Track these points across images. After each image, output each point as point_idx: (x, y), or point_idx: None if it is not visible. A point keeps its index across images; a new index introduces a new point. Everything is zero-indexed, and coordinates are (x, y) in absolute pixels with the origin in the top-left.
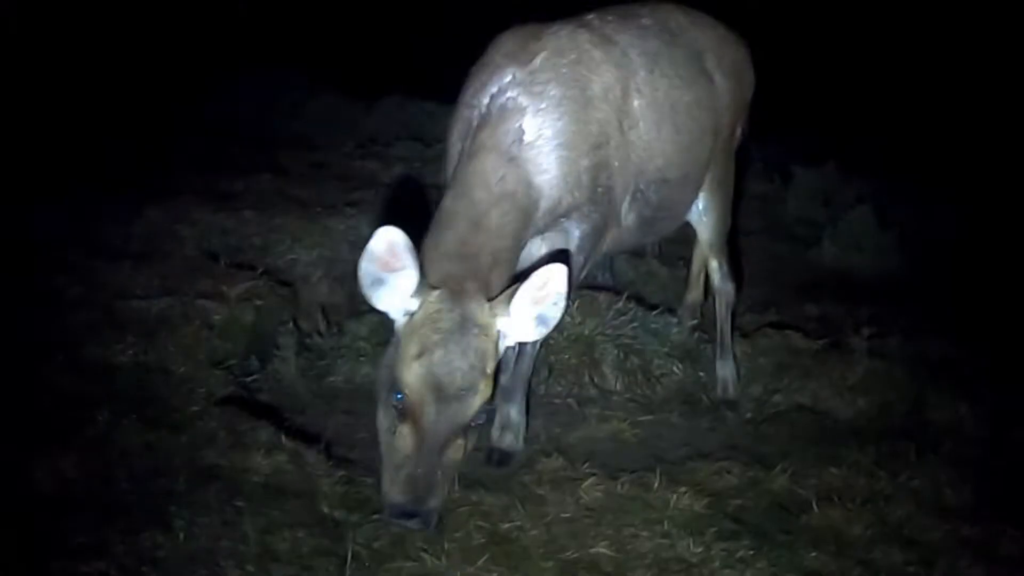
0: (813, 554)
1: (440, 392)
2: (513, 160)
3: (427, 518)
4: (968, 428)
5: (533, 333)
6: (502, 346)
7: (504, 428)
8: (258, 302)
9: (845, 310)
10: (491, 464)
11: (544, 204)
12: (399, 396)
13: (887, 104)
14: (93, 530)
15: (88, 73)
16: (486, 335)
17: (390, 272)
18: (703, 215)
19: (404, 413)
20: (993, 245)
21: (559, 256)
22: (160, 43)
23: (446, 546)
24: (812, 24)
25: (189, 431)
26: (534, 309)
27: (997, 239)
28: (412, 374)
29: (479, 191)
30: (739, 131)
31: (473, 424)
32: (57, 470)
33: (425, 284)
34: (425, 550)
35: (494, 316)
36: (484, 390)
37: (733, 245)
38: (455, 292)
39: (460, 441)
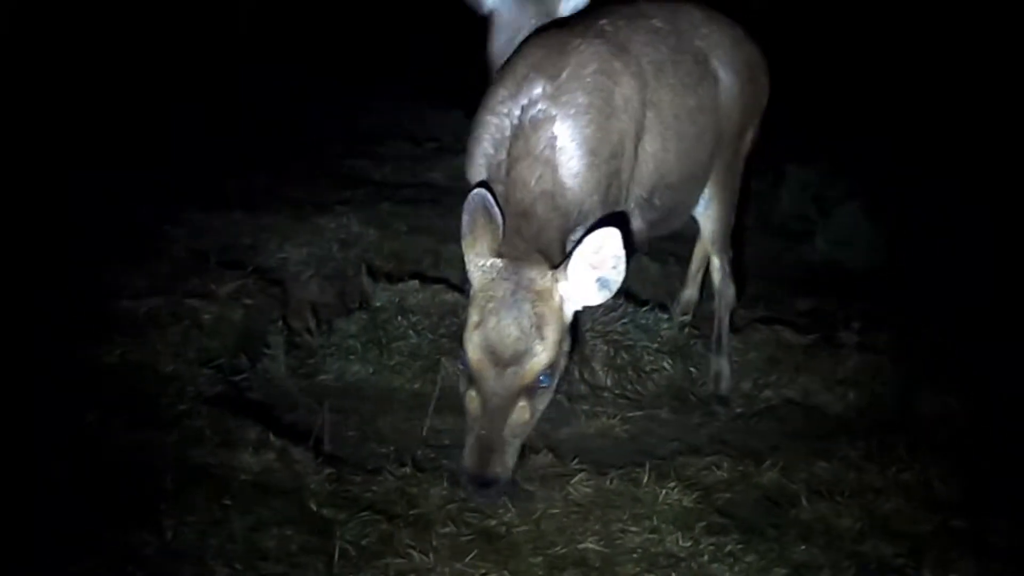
0: (803, 547)
1: (494, 357)
2: (547, 162)
3: (495, 487)
4: (958, 421)
5: (597, 296)
6: (567, 310)
7: None
8: (247, 301)
9: (836, 305)
10: None
11: (573, 209)
12: (464, 363)
13: (880, 102)
14: (80, 528)
15: (82, 71)
16: (542, 300)
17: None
18: (707, 209)
19: (469, 379)
20: (984, 240)
21: (610, 220)
22: (157, 42)
23: (434, 542)
24: (807, 22)
25: (177, 430)
26: (593, 273)
27: (988, 234)
28: (470, 343)
29: (520, 192)
30: (751, 133)
31: (538, 387)
32: (45, 469)
33: (492, 250)
34: (413, 546)
35: (555, 282)
36: (541, 354)
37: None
38: (515, 260)
39: (523, 403)
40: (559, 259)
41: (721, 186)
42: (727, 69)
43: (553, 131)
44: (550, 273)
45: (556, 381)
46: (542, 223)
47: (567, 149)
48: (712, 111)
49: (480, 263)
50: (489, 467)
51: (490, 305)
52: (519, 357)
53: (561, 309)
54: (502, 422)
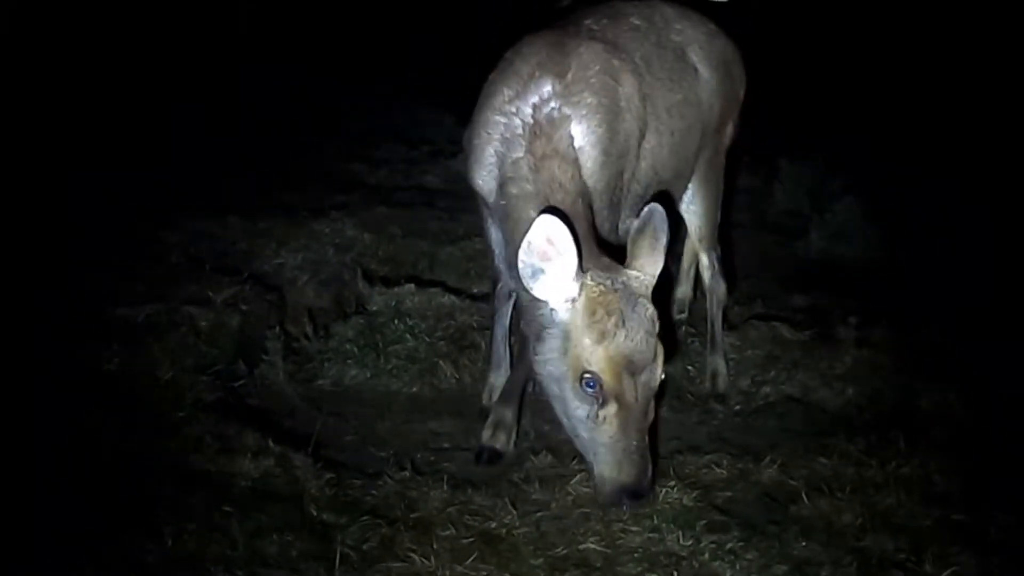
0: (803, 544)
1: (632, 366)
2: (574, 161)
3: (652, 492)
4: (957, 415)
5: None
6: None
7: (497, 428)
8: (244, 307)
9: (832, 300)
10: (481, 463)
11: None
12: (592, 385)
13: (873, 96)
14: (81, 535)
15: (83, 71)
16: (648, 300)
17: (548, 261)
18: (691, 204)
19: (603, 397)
20: (981, 234)
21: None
22: (157, 42)
23: (435, 546)
24: (804, 19)
25: (176, 437)
26: (659, 256)
27: (986, 228)
28: (603, 359)
29: (559, 194)
30: (730, 127)
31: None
32: (44, 476)
33: (579, 268)
34: (414, 550)
35: (642, 278)
36: (662, 353)
37: (723, 241)
38: (606, 268)
39: (652, 403)
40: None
41: (704, 181)
42: (704, 63)
43: (570, 132)
44: (633, 272)
45: None
46: (587, 225)
47: (584, 150)
48: (696, 105)
49: (581, 281)
50: (648, 476)
51: (613, 319)
52: (651, 360)
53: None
54: (645, 429)
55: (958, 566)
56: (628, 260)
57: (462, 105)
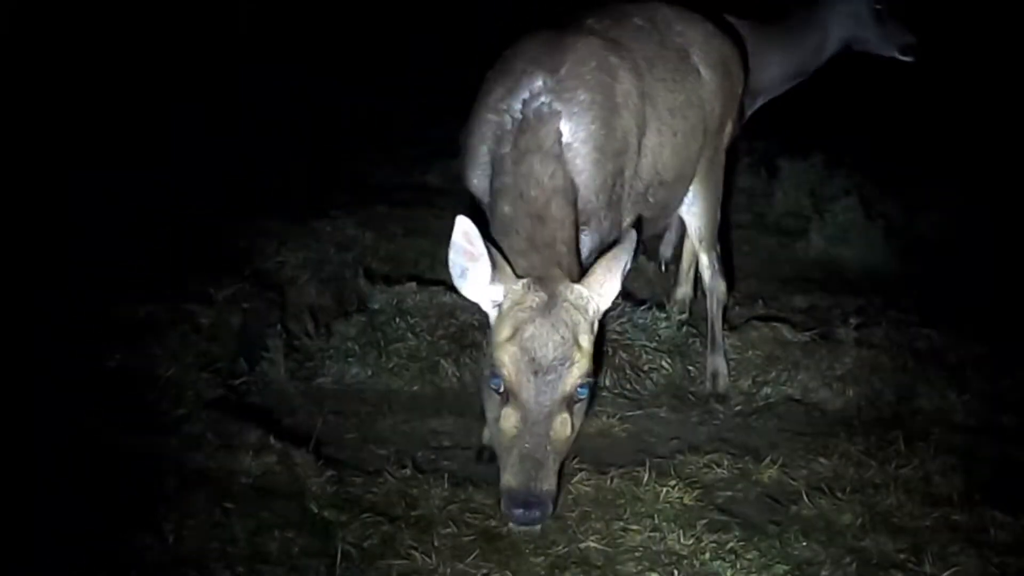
0: (803, 544)
1: (534, 365)
2: (558, 158)
3: (543, 505)
4: (956, 416)
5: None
6: (596, 321)
7: None
8: (245, 305)
9: (833, 301)
10: (481, 461)
11: (580, 205)
12: (497, 380)
13: (873, 96)
14: (82, 532)
15: (83, 71)
16: (576, 309)
17: (474, 261)
18: (692, 205)
19: (505, 395)
20: (978, 235)
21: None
22: (157, 42)
23: (436, 543)
24: None
25: (178, 434)
26: (615, 283)
27: (982, 229)
28: (506, 354)
29: (534, 190)
30: (729, 126)
31: (577, 399)
32: (44, 476)
33: (508, 275)
34: (415, 548)
35: (586, 295)
36: (581, 362)
37: (723, 241)
38: (540, 279)
39: (564, 415)
40: (576, 269)
41: (705, 182)
42: (705, 64)
43: (559, 128)
44: (577, 287)
45: (590, 395)
46: (557, 225)
47: (572, 146)
48: (698, 106)
49: (507, 286)
50: (535, 483)
51: (522, 315)
52: (559, 364)
53: (594, 320)
54: (545, 436)
55: (958, 566)
56: (584, 276)
57: (462, 105)
